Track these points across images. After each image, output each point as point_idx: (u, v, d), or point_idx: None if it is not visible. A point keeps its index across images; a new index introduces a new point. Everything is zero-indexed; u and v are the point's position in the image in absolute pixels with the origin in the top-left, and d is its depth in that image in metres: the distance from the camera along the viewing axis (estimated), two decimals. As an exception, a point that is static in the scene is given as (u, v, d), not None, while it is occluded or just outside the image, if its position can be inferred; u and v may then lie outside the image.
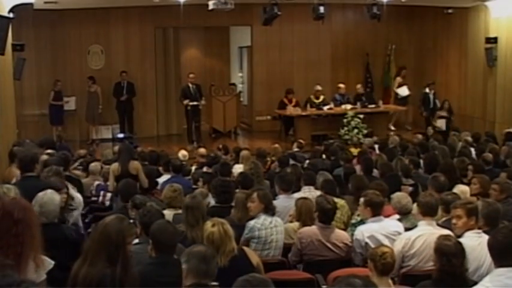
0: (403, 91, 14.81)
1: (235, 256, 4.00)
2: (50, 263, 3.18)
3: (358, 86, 14.52)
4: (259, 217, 5.12)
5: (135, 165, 7.29)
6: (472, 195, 6.08)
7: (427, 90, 14.07)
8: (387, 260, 3.75)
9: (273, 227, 5.10)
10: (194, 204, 4.87)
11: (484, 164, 7.66)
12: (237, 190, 6.17)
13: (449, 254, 3.58)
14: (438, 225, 4.82)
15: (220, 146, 10.68)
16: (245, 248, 4.33)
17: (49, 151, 8.04)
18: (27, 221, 2.98)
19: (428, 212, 4.75)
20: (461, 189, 6.24)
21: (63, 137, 11.96)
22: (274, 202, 5.97)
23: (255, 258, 4.16)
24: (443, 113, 13.39)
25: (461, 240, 4.13)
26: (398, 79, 14.97)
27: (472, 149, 9.23)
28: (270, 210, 5.24)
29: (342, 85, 14.42)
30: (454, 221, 4.43)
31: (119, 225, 3.32)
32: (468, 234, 4.26)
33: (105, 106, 13.97)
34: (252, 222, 5.08)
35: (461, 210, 4.39)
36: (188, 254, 3.21)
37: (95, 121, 13.89)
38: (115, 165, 7.37)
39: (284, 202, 6.07)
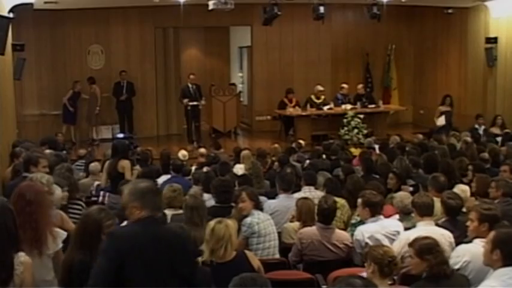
0: (441, 121, 12.97)
1: (238, 254, 4.06)
2: (63, 234, 3.78)
3: (359, 86, 14.47)
4: (253, 214, 5.17)
5: (123, 164, 7.48)
6: (472, 194, 6.08)
7: (476, 126, 12.23)
8: (398, 266, 3.80)
9: (266, 220, 5.21)
10: (199, 204, 5.01)
11: (482, 162, 7.65)
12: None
13: (435, 246, 3.69)
14: (437, 225, 4.82)
15: (211, 143, 10.87)
16: (246, 251, 4.34)
17: (48, 151, 8.05)
18: (39, 202, 3.57)
19: (426, 212, 4.75)
20: (461, 188, 6.24)
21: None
22: (274, 201, 5.99)
23: (256, 262, 4.17)
24: (496, 130, 11.65)
25: (467, 245, 4.12)
26: (441, 108, 13.17)
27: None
28: (259, 206, 5.37)
29: (345, 85, 14.38)
30: (468, 223, 4.32)
31: (96, 215, 3.64)
32: (476, 241, 4.06)
33: (105, 106, 13.97)
34: (248, 219, 5.11)
35: (475, 213, 4.21)
36: (139, 190, 3.25)
37: (91, 122, 13.89)
38: (107, 163, 7.68)
39: (284, 202, 6.08)
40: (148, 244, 3.13)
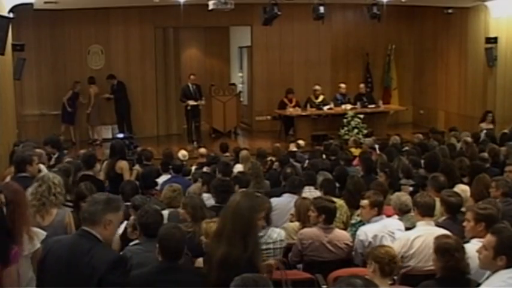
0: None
1: None
2: (42, 234, 3.75)
3: (361, 85, 14.50)
4: None
5: (121, 165, 7.53)
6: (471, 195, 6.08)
7: None
8: (398, 264, 3.78)
9: None
10: (202, 202, 5.08)
11: (482, 162, 7.64)
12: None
13: (452, 250, 3.60)
14: (437, 225, 4.82)
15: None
16: None
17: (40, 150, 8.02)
18: (17, 202, 3.55)
19: (427, 212, 4.74)
20: (461, 188, 6.23)
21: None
22: (278, 199, 5.95)
23: None
24: None
25: (466, 245, 4.08)
26: (482, 126, 12.15)
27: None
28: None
29: (342, 85, 14.43)
30: (464, 223, 4.32)
31: (250, 202, 3.42)
32: (474, 241, 4.04)
33: (105, 106, 13.98)
34: None
35: (470, 213, 4.21)
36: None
37: (93, 122, 13.90)
38: (105, 163, 7.73)
39: (286, 201, 6.08)
40: (58, 255, 3.16)
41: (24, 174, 5.62)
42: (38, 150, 7.86)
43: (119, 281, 3.03)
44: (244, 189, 5.98)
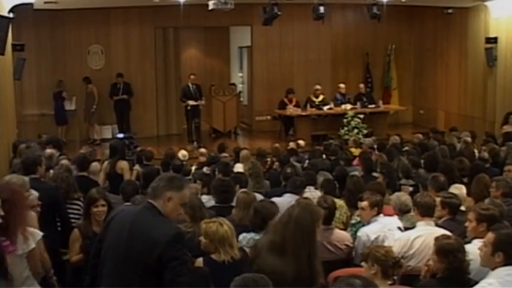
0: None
1: (243, 254, 4.08)
2: (38, 234, 3.76)
3: (361, 85, 14.53)
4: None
5: (121, 165, 7.58)
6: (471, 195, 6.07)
7: None
8: (402, 268, 3.79)
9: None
10: (201, 203, 5.09)
11: (482, 162, 7.64)
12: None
13: (455, 250, 3.61)
14: (437, 225, 4.82)
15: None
16: (246, 250, 4.33)
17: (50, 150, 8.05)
18: (14, 202, 3.51)
19: (427, 212, 4.74)
20: (456, 186, 6.21)
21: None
22: (279, 200, 5.94)
23: None
24: None
25: (467, 245, 4.07)
26: (505, 128, 11.38)
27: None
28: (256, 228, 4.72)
29: (342, 85, 14.45)
30: (466, 223, 4.32)
31: (309, 215, 3.46)
32: (475, 241, 4.03)
33: (105, 106, 13.98)
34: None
35: (472, 214, 4.22)
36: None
37: (90, 121, 13.89)
38: (106, 163, 7.74)
39: (287, 201, 6.06)
40: (122, 224, 3.30)
41: (34, 176, 5.60)
42: (48, 150, 7.90)
43: (178, 255, 3.15)
44: (244, 189, 5.99)
